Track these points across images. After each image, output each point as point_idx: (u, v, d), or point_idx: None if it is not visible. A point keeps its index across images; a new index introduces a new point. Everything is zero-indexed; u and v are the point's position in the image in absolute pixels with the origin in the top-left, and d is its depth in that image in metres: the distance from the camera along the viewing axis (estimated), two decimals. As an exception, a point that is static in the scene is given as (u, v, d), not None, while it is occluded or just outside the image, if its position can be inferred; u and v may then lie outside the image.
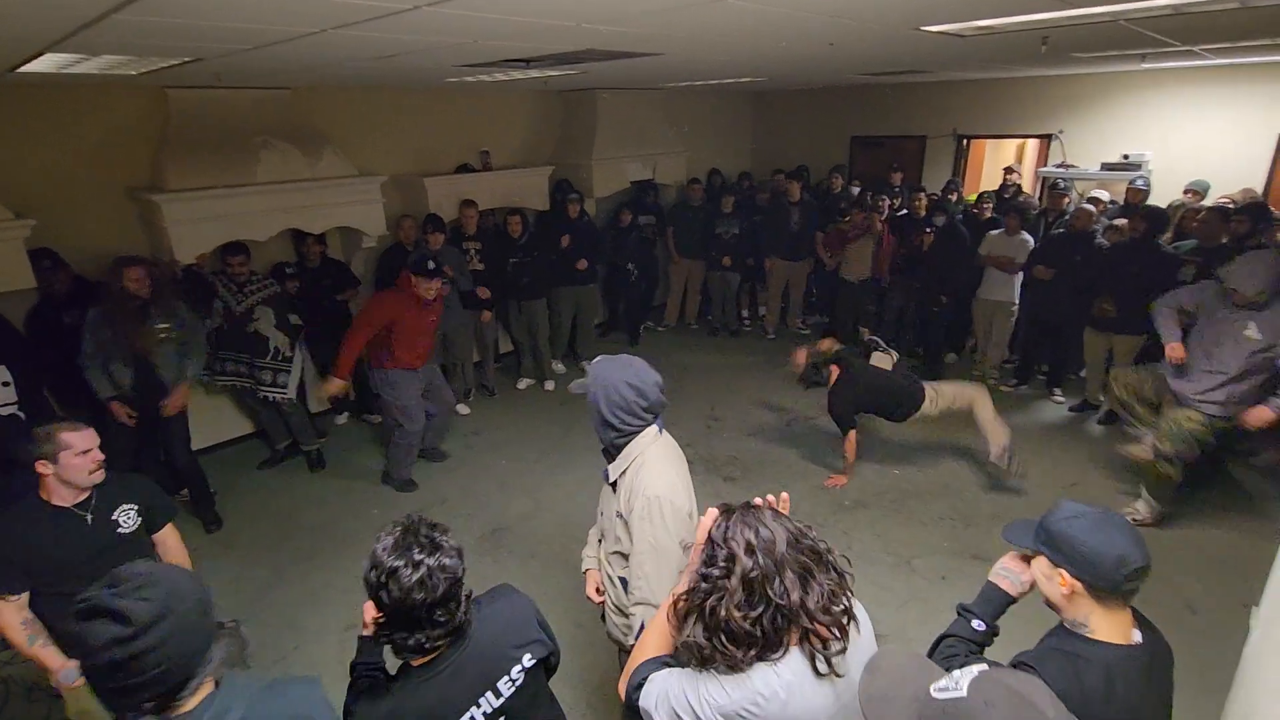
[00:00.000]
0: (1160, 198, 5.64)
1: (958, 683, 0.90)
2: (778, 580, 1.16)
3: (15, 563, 2.08)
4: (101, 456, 2.20)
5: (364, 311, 4.23)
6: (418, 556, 1.31)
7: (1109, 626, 1.36)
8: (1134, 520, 3.86)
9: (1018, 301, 5.75)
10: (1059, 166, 6.58)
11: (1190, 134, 5.98)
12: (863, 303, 6.52)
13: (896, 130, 7.83)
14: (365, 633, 1.51)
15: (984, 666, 0.91)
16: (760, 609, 1.16)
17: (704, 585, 1.20)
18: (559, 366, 6.54)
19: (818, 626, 1.17)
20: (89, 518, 2.19)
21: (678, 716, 1.22)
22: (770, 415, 5.58)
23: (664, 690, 1.26)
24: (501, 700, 1.48)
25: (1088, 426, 5.28)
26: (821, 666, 1.18)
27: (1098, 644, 1.36)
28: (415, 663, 1.40)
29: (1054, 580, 1.39)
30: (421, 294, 4.09)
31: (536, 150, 6.76)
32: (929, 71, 5.64)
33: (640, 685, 1.30)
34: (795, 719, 1.17)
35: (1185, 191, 5.57)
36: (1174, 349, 3.70)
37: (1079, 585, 1.35)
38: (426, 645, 1.36)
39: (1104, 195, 5.88)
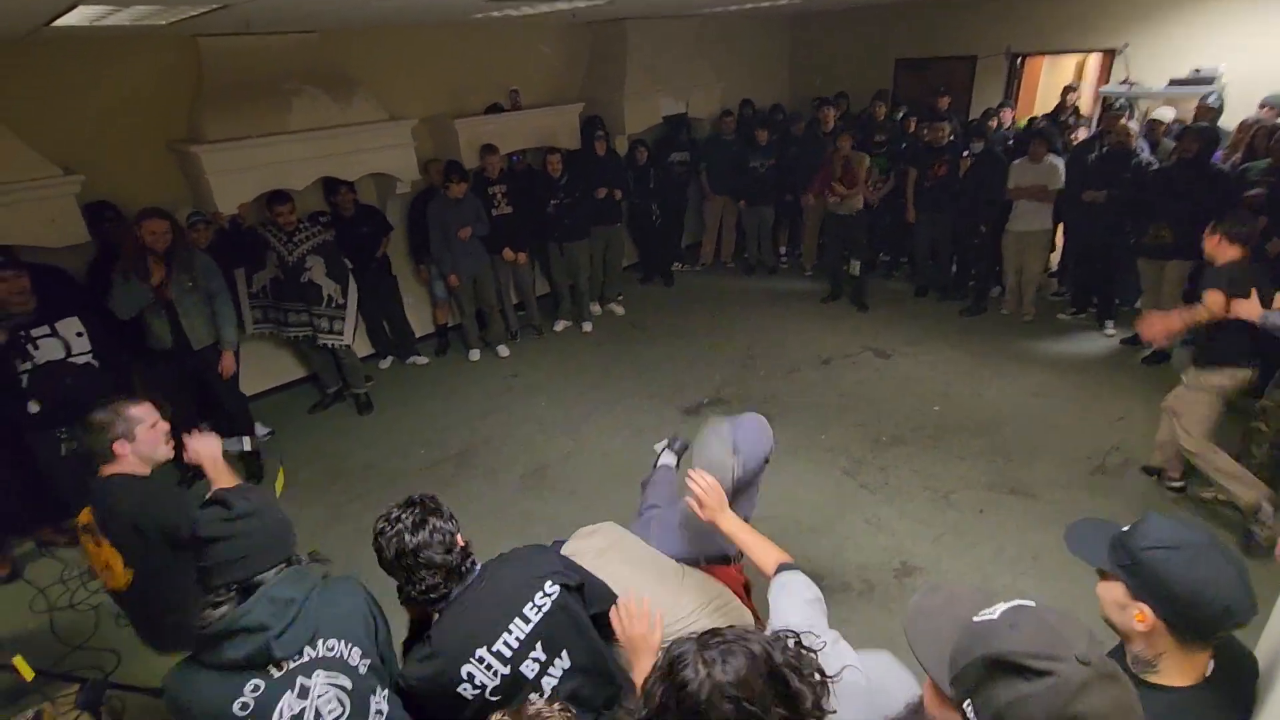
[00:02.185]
0: (1234, 115, 5.25)
1: (995, 609, 0.89)
2: None
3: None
4: (167, 427, 2.18)
5: None
6: (396, 514, 1.55)
7: (1180, 669, 1.16)
8: (1264, 528, 3.12)
9: (1053, 229, 5.52)
10: (1122, 84, 6.15)
11: (1269, 45, 5.49)
12: (854, 235, 6.18)
13: (945, 51, 7.38)
14: None
15: (1031, 602, 0.89)
16: None
17: None
18: (596, 308, 6.56)
19: None
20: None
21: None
22: (809, 353, 5.53)
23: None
24: (532, 625, 1.56)
25: (1135, 360, 5.11)
26: None
27: (1158, 690, 1.15)
28: (436, 611, 1.57)
29: (1129, 612, 1.16)
30: None
31: (566, 87, 6.60)
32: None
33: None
34: None
35: (1261, 107, 5.16)
36: None
37: (1162, 626, 1.13)
38: (421, 594, 1.52)
39: (1168, 114, 5.49)
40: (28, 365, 3.36)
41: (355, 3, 3.39)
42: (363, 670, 1.44)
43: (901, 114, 6.88)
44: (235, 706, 1.33)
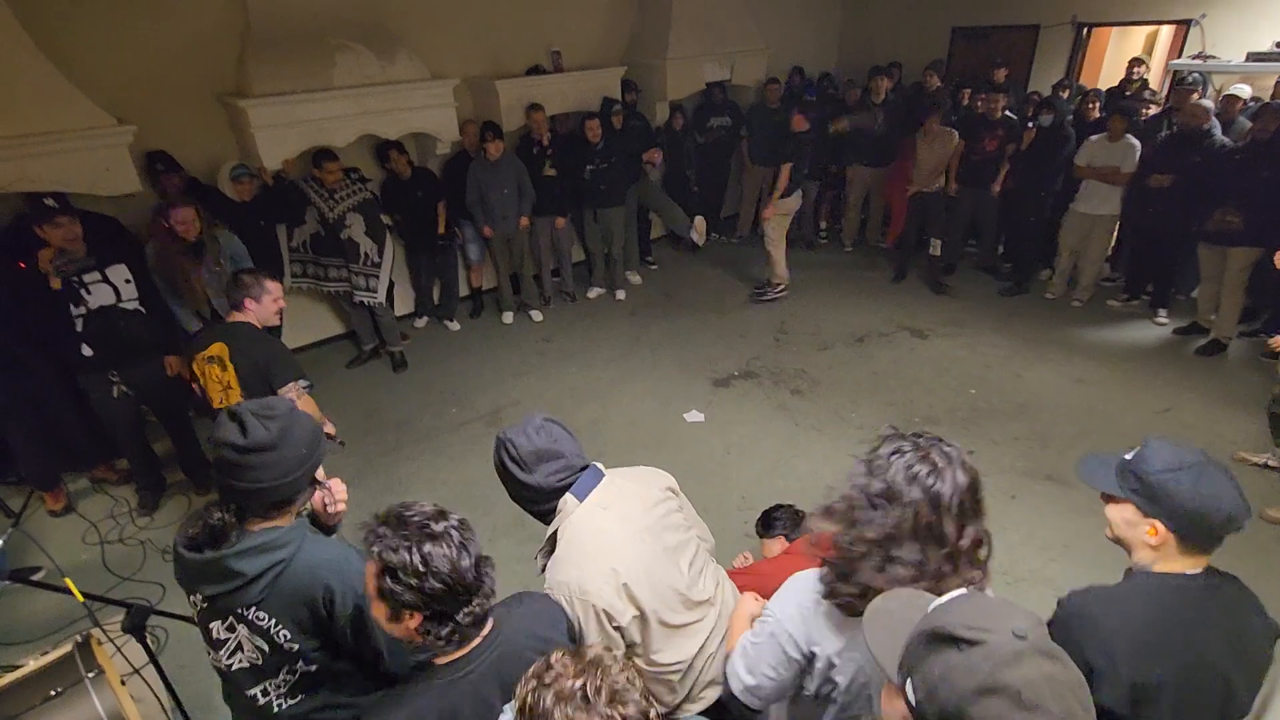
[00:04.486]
0: (1314, 93, 4.93)
1: (945, 598, 0.90)
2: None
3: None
4: (284, 305, 2.81)
5: None
6: (440, 528, 1.23)
7: (1182, 564, 1.31)
8: (1269, 464, 3.58)
9: (1119, 213, 5.28)
10: (1196, 58, 5.80)
11: (1363, 16, 5.12)
12: (934, 212, 5.99)
13: (1006, 18, 7.05)
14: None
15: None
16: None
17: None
18: (634, 277, 6.54)
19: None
20: None
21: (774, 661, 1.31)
22: (843, 330, 5.45)
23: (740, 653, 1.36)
24: None
25: (1187, 350, 4.91)
26: None
27: (1152, 574, 1.32)
28: (440, 661, 1.25)
29: (1140, 529, 1.31)
30: None
31: (608, 50, 6.48)
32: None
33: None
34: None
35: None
36: None
37: (1173, 538, 1.28)
38: (477, 612, 1.22)
39: (1245, 91, 5.18)
40: (81, 310, 3.48)
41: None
42: (286, 647, 1.46)
43: (955, 84, 6.61)
44: (192, 598, 1.47)
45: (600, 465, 1.64)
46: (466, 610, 1.20)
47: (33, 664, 2.04)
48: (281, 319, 2.91)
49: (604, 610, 1.44)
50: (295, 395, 2.70)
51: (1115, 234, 5.75)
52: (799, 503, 3.64)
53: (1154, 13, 6.29)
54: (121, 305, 3.56)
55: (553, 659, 0.97)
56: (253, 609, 1.41)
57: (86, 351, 3.52)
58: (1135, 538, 1.33)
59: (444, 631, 1.20)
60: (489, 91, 5.50)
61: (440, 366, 5.24)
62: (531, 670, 0.97)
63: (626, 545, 1.50)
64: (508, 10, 5.65)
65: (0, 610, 3.06)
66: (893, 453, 1.19)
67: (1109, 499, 1.37)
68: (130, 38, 4.15)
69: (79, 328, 3.48)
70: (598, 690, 0.91)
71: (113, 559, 3.42)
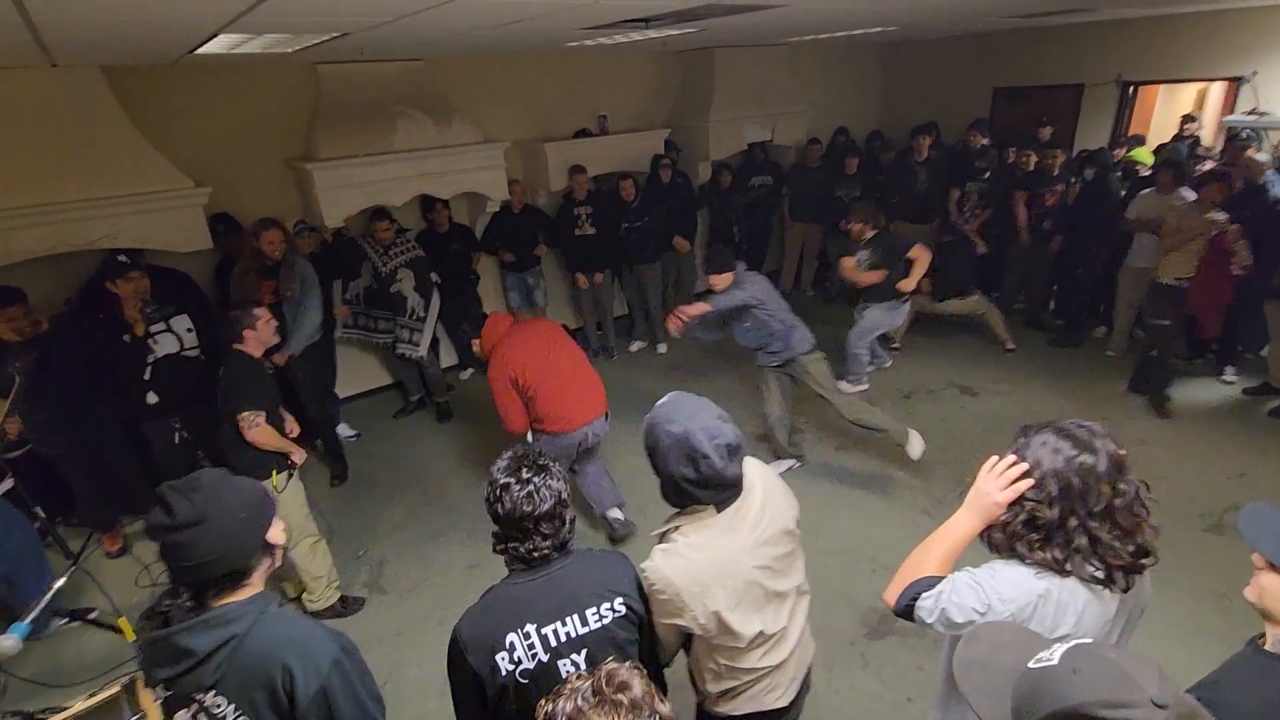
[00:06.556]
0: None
1: (1054, 653, 0.84)
2: (1082, 502, 1.28)
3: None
4: (276, 323, 3.08)
5: None
6: (525, 475, 1.50)
7: None
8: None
9: None
10: (1249, 114, 5.71)
11: None
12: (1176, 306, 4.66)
13: (1048, 79, 7.08)
14: None
15: (1089, 640, 0.85)
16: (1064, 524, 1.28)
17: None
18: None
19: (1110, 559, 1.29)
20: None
21: (971, 612, 1.27)
22: (889, 386, 5.34)
23: (949, 596, 1.30)
24: (586, 630, 1.52)
25: (1260, 412, 4.65)
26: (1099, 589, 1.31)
27: None
28: (518, 570, 1.56)
29: None
30: None
31: (653, 113, 6.73)
32: (1092, 10, 5.03)
33: (915, 598, 1.34)
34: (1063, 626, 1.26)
35: None
36: None
37: None
38: (535, 554, 1.51)
39: (1304, 146, 5.06)
40: (149, 359, 3.67)
41: (458, 33, 3.58)
42: None
43: (1000, 143, 6.62)
44: (155, 693, 1.37)
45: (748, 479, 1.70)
46: (516, 544, 1.51)
47: (79, 705, 2.07)
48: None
49: (685, 622, 1.57)
50: (245, 426, 2.88)
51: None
52: (845, 562, 3.53)
53: (1201, 71, 6.24)
54: (184, 354, 3.75)
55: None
56: (210, 693, 1.31)
57: (152, 399, 3.70)
58: None
59: (507, 544, 1.53)
60: (537, 154, 5.73)
61: (484, 417, 5.29)
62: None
63: (731, 577, 1.57)
64: (557, 79, 5.94)
65: (49, 652, 3.14)
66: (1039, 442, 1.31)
67: (1271, 566, 1.22)
68: (210, 108, 4.49)
69: (147, 376, 3.67)
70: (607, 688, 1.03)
71: (162, 602, 3.48)
